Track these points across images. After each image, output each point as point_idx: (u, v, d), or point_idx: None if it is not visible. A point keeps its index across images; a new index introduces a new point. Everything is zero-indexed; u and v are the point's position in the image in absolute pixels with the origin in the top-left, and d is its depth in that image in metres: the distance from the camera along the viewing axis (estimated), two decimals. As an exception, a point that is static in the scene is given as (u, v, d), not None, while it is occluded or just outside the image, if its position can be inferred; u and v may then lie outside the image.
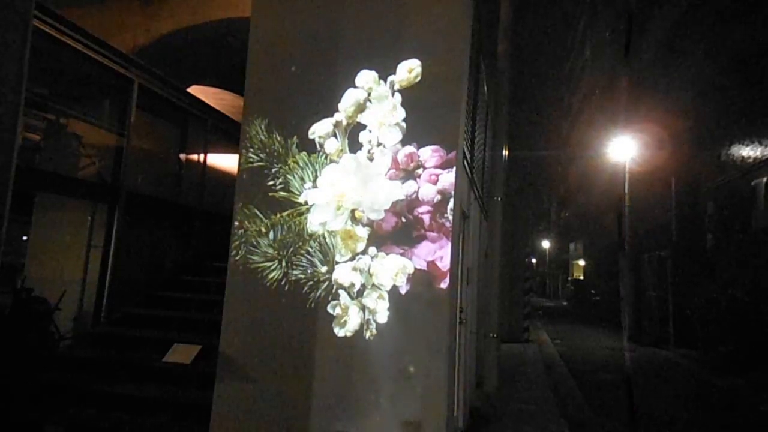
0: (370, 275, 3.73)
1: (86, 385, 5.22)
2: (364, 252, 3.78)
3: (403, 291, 3.71)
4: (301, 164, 3.96)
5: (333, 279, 3.79)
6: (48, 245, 7.01)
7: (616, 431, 6.31)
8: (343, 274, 3.78)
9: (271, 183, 4.00)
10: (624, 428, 6.27)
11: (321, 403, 3.69)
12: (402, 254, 3.74)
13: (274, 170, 4.01)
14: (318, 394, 3.70)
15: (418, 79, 3.88)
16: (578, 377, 9.17)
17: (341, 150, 3.91)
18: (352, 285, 3.76)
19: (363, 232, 3.79)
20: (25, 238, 7.52)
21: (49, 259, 6.95)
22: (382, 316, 3.71)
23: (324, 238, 3.84)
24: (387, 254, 3.75)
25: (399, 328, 3.69)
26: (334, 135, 3.94)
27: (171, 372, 5.26)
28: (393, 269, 3.70)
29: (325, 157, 3.93)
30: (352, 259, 3.79)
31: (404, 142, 3.85)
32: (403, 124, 3.86)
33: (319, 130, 3.96)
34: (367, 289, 3.75)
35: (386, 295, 3.72)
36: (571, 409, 6.84)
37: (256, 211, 3.98)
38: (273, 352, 3.82)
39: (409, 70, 3.90)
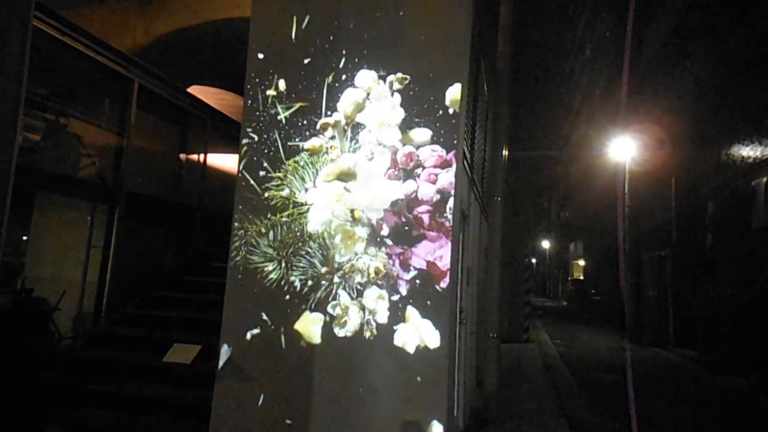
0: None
1: (86, 385, 5.22)
2: (364, 252, 3.78)
3: (403, 291, 3.71)
4: (301, 164, 3.96)
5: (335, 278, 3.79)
6: (48, 245, 7.01)
7: (616, 431, 6.31)
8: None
9: (271, 183, 3.99)
10: (624, 428, 6.27)
11: (321, 403, 3.69)
12: (401, 254, 3.74)
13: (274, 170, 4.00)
14: (318, 394, 3.70)
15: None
16: (578, 377, 9.17)
17: (340, 150, 3.91)
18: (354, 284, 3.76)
19: (363, 232, 3.79)
20: (25, 238, 7.52)
21: (49, 259, 6.95)
22: (383, 316, 3.71)
23: (323, 238, 3.84)
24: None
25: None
26: (334, 135, 3.94)
27: (171, 372, 5.26)
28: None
29: (325, 157, 3.93)
30: (352, 259, 3.78)
31: (403, 142, 3.85)
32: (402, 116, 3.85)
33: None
34: (367, 290, 3.74)
35: (386, 295, 3.72)
36: (571, 409, 6.84)
37: (256, 212, 3.98)
38: (273, 352, 3.82)
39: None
